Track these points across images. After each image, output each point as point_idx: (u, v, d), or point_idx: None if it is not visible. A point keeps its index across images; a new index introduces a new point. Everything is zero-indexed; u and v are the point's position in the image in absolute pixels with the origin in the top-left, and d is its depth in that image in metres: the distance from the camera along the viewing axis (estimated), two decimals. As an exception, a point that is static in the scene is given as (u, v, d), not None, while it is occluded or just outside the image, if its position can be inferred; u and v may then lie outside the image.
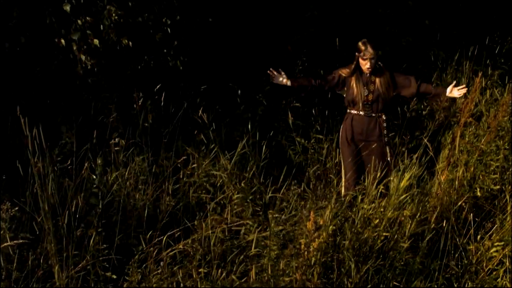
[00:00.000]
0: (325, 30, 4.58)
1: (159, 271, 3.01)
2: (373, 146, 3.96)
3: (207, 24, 4.23)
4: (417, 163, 3.49)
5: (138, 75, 3.93)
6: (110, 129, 3.69)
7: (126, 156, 3.60)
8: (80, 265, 2.95)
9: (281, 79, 4.08)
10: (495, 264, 3.30)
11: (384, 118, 4.06)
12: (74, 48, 3.65)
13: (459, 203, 3.48)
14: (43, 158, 3.08)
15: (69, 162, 3.33)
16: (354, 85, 4.00)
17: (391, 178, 3.44)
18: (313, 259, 2.81)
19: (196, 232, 3.21)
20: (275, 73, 4.09)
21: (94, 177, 3.44)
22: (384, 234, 3.14)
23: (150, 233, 3.18)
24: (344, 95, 4.10)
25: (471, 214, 3.45)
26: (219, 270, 3.01)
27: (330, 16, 4.66)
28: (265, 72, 4.26)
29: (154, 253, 3.05)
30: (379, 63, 4.03)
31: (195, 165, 3.71)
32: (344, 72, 4.05)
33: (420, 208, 3.33)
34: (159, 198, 3.50)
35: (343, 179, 4.00)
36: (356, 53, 3.95)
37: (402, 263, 3.13)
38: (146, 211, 3.33)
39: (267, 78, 4.27)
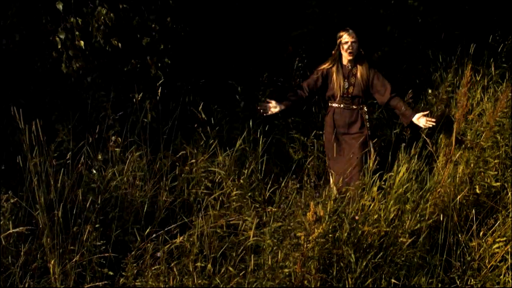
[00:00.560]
0: (325, 27, 4.56)
1: (155, 266, 2.97)
2: (355, 139, 3.89)
3: (208, 21, 4.23)
4: (415, 158, 3.46)
5: (135, 73, 3.92)
6: (106, 127, 3.66)
7: (123, 152, 3.57)
8: (74, 260, 2.91)
9: (272, 109, 3.90)
10: (498, 260, 3.28)
11: (366, 110, 3.99)
12: (59, 46, 3.63)
13: (458, 199, 3.45)
14: (40, 153, 3.06)
15: (68, 156, 3.30)
16: (335, 77, 3.93)
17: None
18: (316, 249, 2.75)
19: (193, 228, 3.17)
20: (264, 105, 3.92)
21: (94, 171, 3.41)
22: (384, 229, 3.11)
23: (148, 229, 3.14)
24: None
25: (473, 211, 3.42)
26: (216, 266, 2.97)
27: (331, 14, 4.63)
28: (265, 72, 4.24)
29: (151, 248, 3.01)
30: (361, 50, 3.95)
31: (193, 161, 3.68)
32: (324, 65, 3.98)
33: (421, 205, 3.29)
34: (157, 194, 3.47)
35: (331, 177, 3.93)
36: (337, 40, 3.90)
37: (402, 258, 3.09)
38: (144, 208, 3.29)
39: (267, 77, 4.26)
